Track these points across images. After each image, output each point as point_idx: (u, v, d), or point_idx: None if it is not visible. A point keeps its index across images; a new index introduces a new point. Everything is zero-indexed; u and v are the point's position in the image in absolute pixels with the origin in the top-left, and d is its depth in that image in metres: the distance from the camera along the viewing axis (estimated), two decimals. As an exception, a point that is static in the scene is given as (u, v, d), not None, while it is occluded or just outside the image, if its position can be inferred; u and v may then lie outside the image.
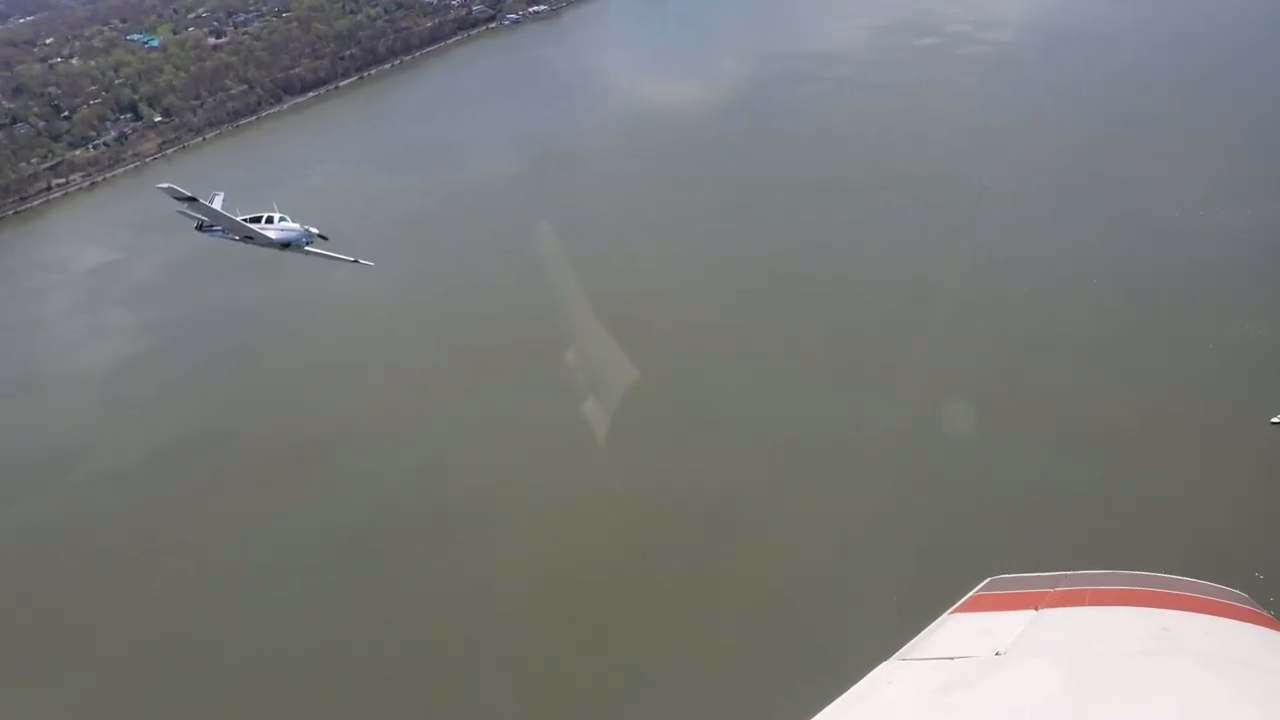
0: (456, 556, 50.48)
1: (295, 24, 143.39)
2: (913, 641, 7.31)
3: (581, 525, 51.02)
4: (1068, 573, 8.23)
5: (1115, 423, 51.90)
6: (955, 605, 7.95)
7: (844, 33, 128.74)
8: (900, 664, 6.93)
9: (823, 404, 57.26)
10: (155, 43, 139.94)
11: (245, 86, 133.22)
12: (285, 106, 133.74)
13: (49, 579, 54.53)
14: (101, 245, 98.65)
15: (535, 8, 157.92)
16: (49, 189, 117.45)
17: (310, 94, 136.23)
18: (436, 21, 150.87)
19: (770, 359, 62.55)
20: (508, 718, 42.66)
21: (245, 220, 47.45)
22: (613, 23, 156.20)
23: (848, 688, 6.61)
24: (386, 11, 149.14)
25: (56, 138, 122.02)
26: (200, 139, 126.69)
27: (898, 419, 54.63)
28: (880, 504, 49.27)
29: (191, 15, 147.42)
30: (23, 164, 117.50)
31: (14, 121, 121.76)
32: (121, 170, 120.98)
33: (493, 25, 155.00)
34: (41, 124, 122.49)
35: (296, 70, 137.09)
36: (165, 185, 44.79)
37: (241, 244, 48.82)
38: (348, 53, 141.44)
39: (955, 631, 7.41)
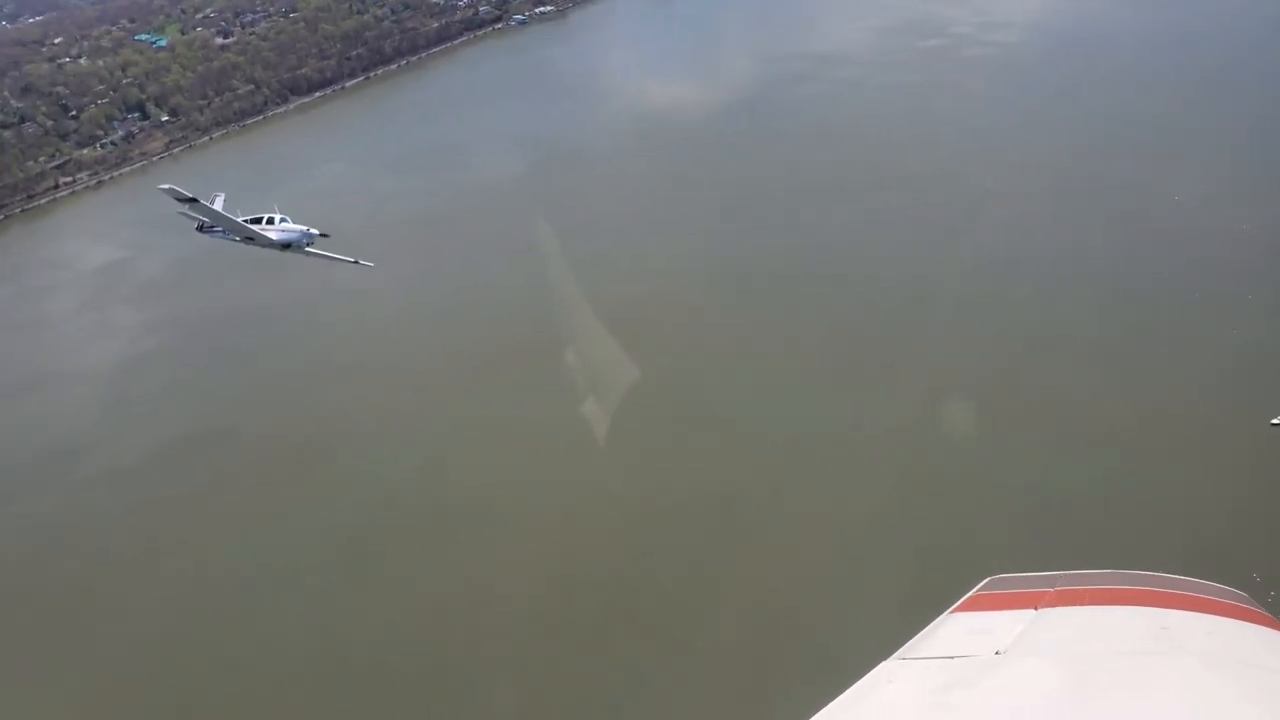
0: (457, 556, 50.48)
1: (302, 24, 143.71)
2: (913, 641, 7.31)
3: (581, 525, 51.02)
4: (1067, 572, 8.23)
5: (1115, 423, 51.89)
6: (955, 605, 7.95)
7: (849, 34, 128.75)
8: (900, 663, 6.93)
9: (823, 404, 57.26)
10: (163, 43, 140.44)
11: (252, 86, 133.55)
12: (291, 106, 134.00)
13: (49, 578, 54.54)
14: (108, 243, 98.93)
15: (542, 8, 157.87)
16: (56, 187, 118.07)
17: (316, 94, 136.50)
18: (443, 22, 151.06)
19: (771, 359, 62.56)
20: (508, 718, 42.66)
21: (246, 221, 47.50)
22: (619, 23, 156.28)
23: (848, 687, 6.61)
24: (393, 12, 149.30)
25: (64, 137, 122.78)
26: (207, 138, 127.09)
27: (898, 419, 54.63)
28: (880, 504, 49.28)
29: (199, 15, 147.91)
30: (30, 162, 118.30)
31: (22, 120, 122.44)
32: (128, 169, 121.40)
33: (499, 26, 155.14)
34: (49, 123, 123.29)
35: (303, 70, 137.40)
36: (166, 186, 44.84)
37: (242, 245, 48.87)
38: (354, 53, 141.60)
39: (955, 631, 7.42)
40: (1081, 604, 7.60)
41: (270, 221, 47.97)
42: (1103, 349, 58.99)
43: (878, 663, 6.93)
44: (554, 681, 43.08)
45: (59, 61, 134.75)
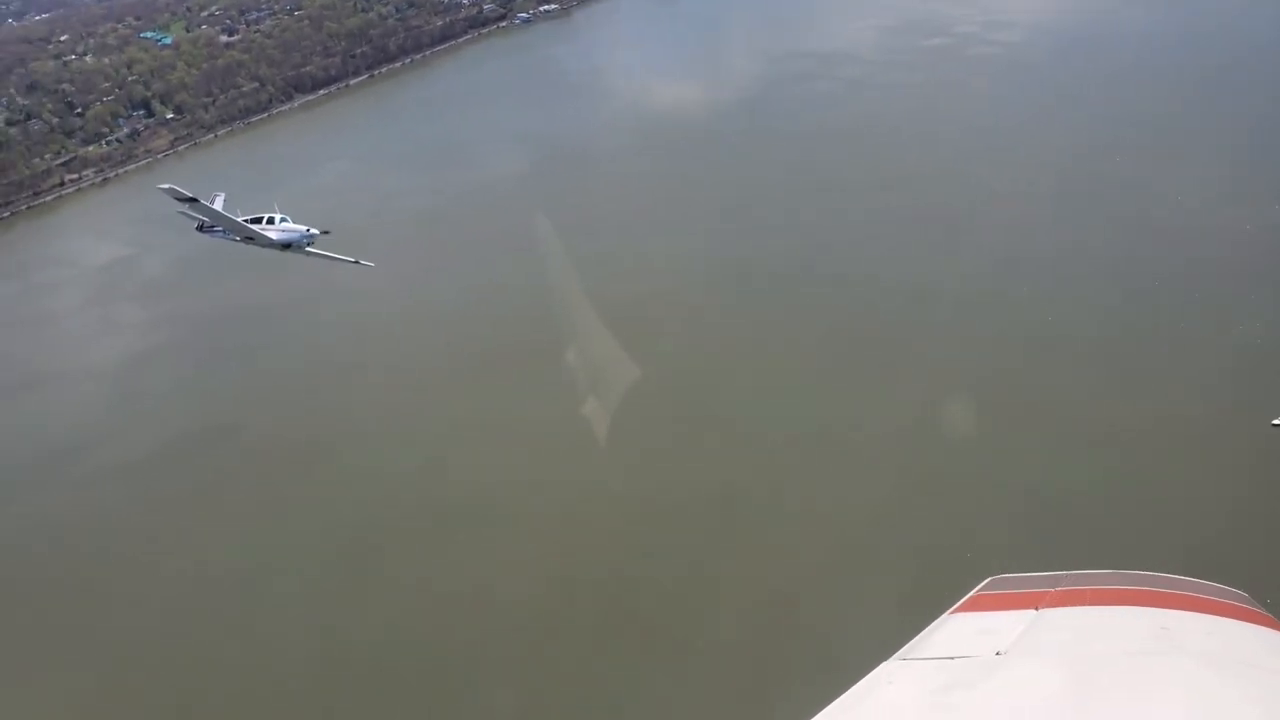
0: (457, 556, 50.49)
1: (307, 22, 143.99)
2: (913, 641, 7.31)
3: (581, 525, 51.01)
4: (1068, 572, 8.22)
5: (1116, 423, 51.87)
6: (955, 605, 7.95)
7: (853, 33, 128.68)
8: (900, 664, 6.92)
9: (823, 404, 57.27)
10: (168, 40, 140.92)
11: (257, 84, 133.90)
12: (296, 104, 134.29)
13: (49, 578, 54.55)
14: (113, 241, 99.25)
15: (546, 6, 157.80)
16: (62, 184, 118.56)
17: (321, 92, 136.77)
18: (447, 20, 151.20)
19: (772, 358, 62.59)
20: (508, 718, 42.66)
21: (246, 221, 47.52)
22: (623, 22, 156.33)
23: (848, 688, 6.61)
24: (398, 10, 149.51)
25: (70, 134, 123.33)
26: (212, 136, 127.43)
27: (898, 419, 54.63)
28: (880, 504, 49.28)
29: (204, 13, 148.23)
30: (36, 160, 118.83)
31: (28, 118, 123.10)
32: (133, 166, 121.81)
33: (503, 24, 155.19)
34: (55, 120, 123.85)
35: (308, 68, 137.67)
36: (166, 186, 44.88)
37: (242, 245, 48.90)
38: (359, 51, 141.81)
39: (955, 631, 7.41)
40: (1082, 604, 7.59)
41: (270, 221, 48.02)
42: (1103, 349, 58.99)
43: (878, 663, 6.93)
44: (554, 681, 43.09)
45: (65, 59, 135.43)
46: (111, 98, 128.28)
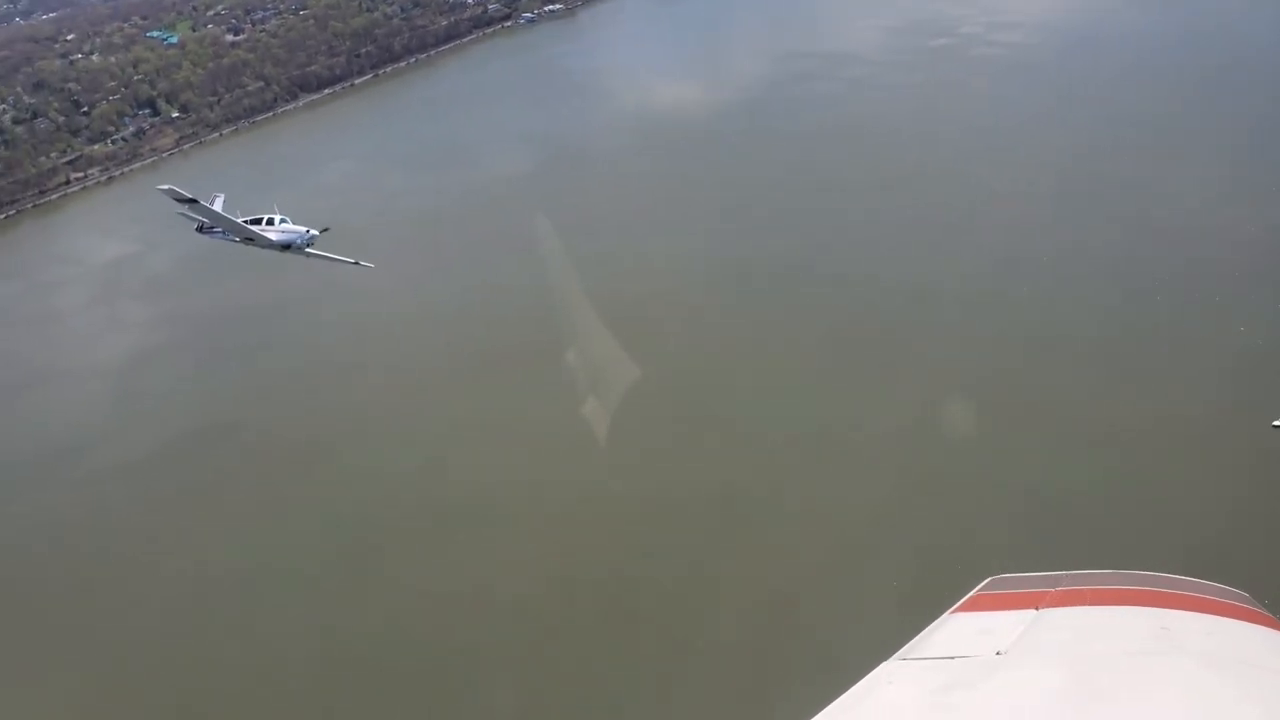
0: (457, 556, 50.50)
1: (312, 22, 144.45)
2: (913, 641, 7.30)
3: (581, 525, 51.02)
4: (1068, 572, 8.21)
5: (1115, 423, 51.85)
6: (955, 605, 7.94)
7: (857, 33, 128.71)
8: (900, 664, 6.92)
9: (823, 404, 57.28)
10: (174, 39, 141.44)
11: (262, 83, 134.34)
12: (301, 103, 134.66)
13: (50, 577, 54.59)
14: (118, 239, 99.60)
15: (550, 6, 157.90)
16: (67, 183, 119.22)
17: (326, 91, 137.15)
18: (452, 20, 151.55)
19: (772, 358, 62.58)
20: (508, 718, 42.66)
21: (246, 222, 47.50)
22: (628, 22, 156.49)
23: (848, 688, 6.60)
24: (402, 10, 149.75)
25: (76, 132, 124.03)
26: (217, 135, 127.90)
27: (898, 419, 54.63)
28: (880, 504, 49.28)
29: (210, 12, 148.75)
30: (42, 158, 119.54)
31: (34, 116, 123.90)
32: (139, 165, 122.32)
33: (508, 24, 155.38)
34: (61, 119, 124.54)
35: (313, 68, 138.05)
36: (165, 187, 44.91)
37: (242, 245, 48.88)
38: (363, 50, 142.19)
39: (955, 631, 7.40)
40: (1082, 604, 7.59)
41: (270, 222, 47.99)
42: (1103, 349, 58.98)
43: (878, 663, 6.92)
44: (554, 681, 43.09)
45: (71, 58, 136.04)
46: (117, 96, 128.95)
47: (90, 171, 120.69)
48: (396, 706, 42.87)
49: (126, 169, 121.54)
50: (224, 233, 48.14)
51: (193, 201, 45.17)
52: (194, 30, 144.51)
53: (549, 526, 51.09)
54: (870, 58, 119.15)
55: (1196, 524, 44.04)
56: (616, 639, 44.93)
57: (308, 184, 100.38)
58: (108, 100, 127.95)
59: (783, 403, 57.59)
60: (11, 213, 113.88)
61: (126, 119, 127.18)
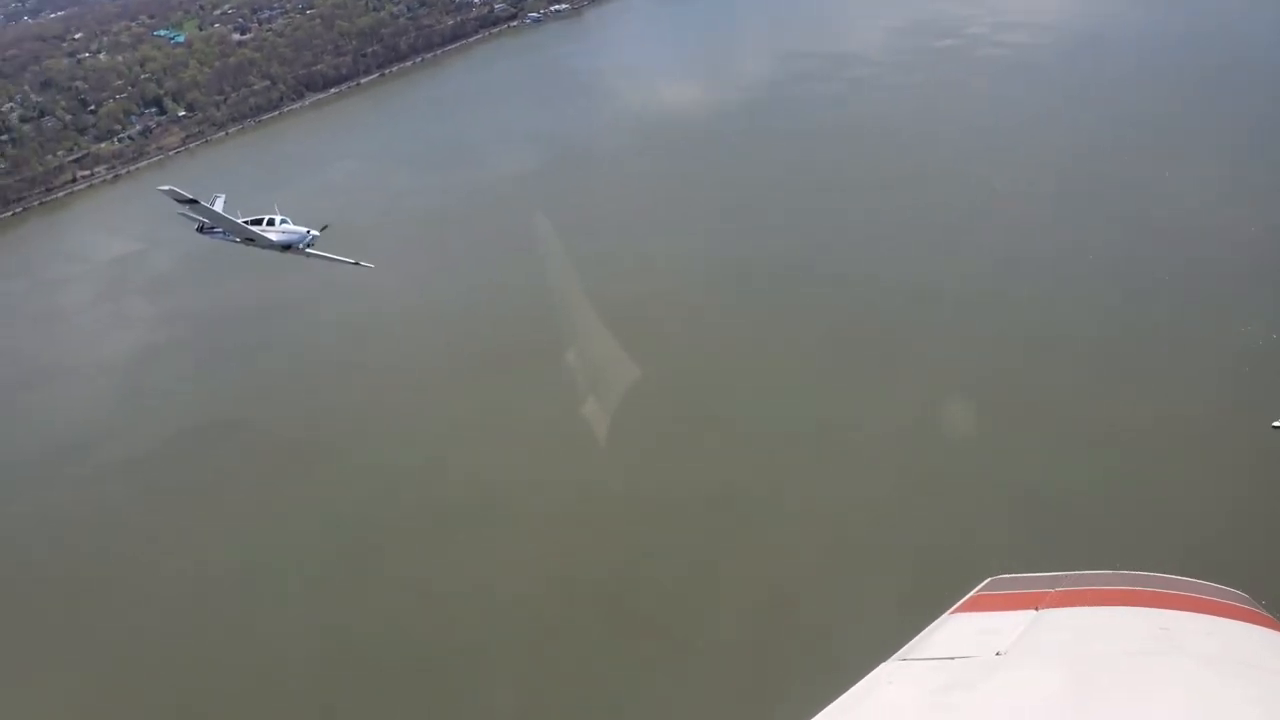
0: (457, 556, 50.51)
1: (319, 21, 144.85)
2: (913, 641, 7.30)
3: (581, 525, 51.03)
4: (1068, 573, 8.22)
5: (1115, 423, 51.84)
6: (955, 605, 7.94)
7: (863, 34, 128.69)
8: (900, 664, 6.92)
9: (823, 404, 57.27)
10: (181, 38, 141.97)
11: (268, 82, 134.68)
12: (307, 103, 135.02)
13: (50, 577, 54.59)
14: (124, 237, 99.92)
15: (557, 6, 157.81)
16: (74, 181, 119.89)
17: (332, 90, 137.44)
18: (458, 19, 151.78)
19: (772, 358, 62.58)
20: (508, 718, 42.66)
21: (246, 223, 47.52)
22: (634, 21, 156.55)
23: (848, 688, 6.61)
24: (409, 9, 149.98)
25: (83, 131, 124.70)
26: (223, 134, 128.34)
27: (898, 419, 54.61)
28: (880, 504, 49.27)
29: (217, 11, 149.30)
30: (49, 156, 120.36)
31: (42, 115, 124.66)
32: (145, 163, 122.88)
33: (514, 24, 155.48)
34: (68, 117, 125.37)
35: (319, 67, 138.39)
36: (166, 188, 44.95)
37: (242, 246, 48.90)
38: (370, 50, 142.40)
39: (955, 631, 7.41)
40: (1082, 604, 7.59)
41: (270, 223, 48.01)
42: (1103, 349, 58.96)
43: (878, 663, 6.93)
44: (554, 681, 43.09)
45: (79, 57, 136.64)
46: (124, 95, 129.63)
47: (97, 170, 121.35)
48: (396, 706, 42.87)
49: (133, 167, 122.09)
50: (224, 233, 48.18)
51: (193, 202, 45.21)
52: (201, 29, 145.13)
53: (549, 526, 51.09)
54: (874, 58, 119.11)
55: (1196, 524, 44.03)
56: (616, 639, 44.93)
57: (313, 183, 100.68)
58: (114, 99, 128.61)
59: (783, 403, 57.57)
60: (19, 210, 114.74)
61: (133, 117, 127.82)
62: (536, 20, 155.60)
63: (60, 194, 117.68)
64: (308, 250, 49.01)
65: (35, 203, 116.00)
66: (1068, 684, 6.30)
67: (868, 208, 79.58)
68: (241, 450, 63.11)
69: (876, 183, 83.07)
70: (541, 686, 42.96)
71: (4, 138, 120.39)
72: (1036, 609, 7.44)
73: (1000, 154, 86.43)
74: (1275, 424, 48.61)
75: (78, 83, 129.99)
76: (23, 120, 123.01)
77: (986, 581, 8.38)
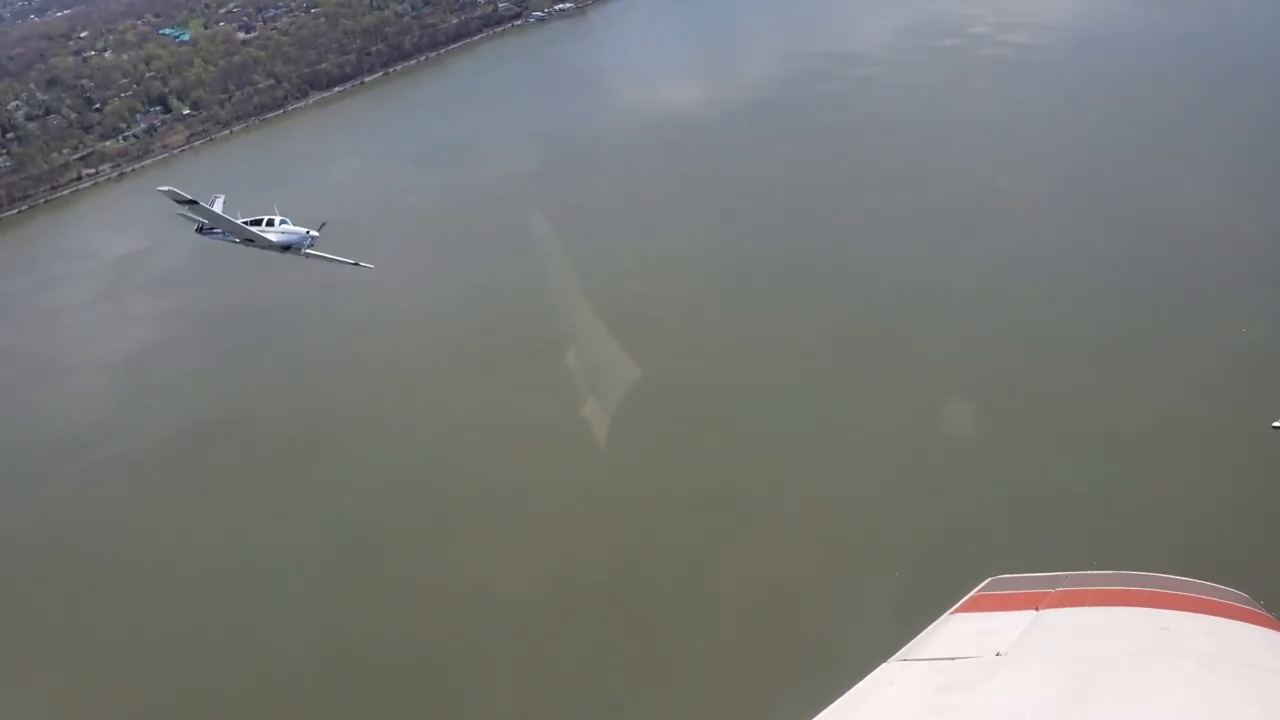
0: (457, 556, 50.51)
1: (323, 19, 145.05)
2: (913, 642, 7.31)
3: (581, 525, 51.03)
4: (1068, 573, 8.22)
5: (1115, 423, 51.84)
6: (955, 605, 7.95)
7: (867, 33, 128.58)
8: (900, 665, 6.92)
9: (823, 404, 57.25)
10: (186, 37, 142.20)
11: (272, 81, 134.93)
12: (311, 101, 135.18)
13: (51, 577, 54.57)
14: (128, 234, 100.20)
15: (561, 5, 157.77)
16: (79, 179, 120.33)
17: (336, 89, 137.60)
18: (462, 18, 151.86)
19: (772, 358, 62.54)
20: (508, 718, 42.66)
21: (246, 223, 47.54)
22: (638, 21, 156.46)
23: (848, 688, 6.61)
24: (413, 8, 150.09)
25: (88, 129, 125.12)
26: (227, 132, 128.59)
27: (898, 418, 54.62)
28: (880, 504, 49.26)
29: (222, 10, 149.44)
30: (55, 154, 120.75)
31: (47, 113, 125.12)
32: (150, 161, 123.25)
33: (518, 23, 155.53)
34: (74, 115, 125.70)
35: (323, 65, 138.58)
36: (166, 189, 44.99)
37: (242, 246, 48.91)
38: (374, 49, 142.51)
39: (956, 632, 7.41)
40: (1082, 605, 7.59)
41: (270, 223, 48.03)
42: (1104, 349, 58.93)
43: (878, 663, 6.93)
44: (554, 681, 43.08)
45: (84, 55, 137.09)
46: (129, 93, 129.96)
47: (102, 168, 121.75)
48: (397, 706, 42.86)
49: (138, 165, 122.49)
50: (224, 234, 48.19)
51: (192, 203, 45.24)
52: (206, 28, 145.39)
53: (549, 526, 51.10)
54: (877, 58, 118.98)
55: (1196, 524, 44.02)
56: (616, 639, 44.92)
57: (317, 182, 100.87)
58: (120, 97, 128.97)
59: (783, 403, 57.56)
60: (24, 208, 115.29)
61: (138, 116, 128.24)
62: (540, 19, 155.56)
63: (65, 192, 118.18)
64: (307, 251, 49.01)
65: (41, 200, 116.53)
66: (1068, 684, 6.30)
67: (869, 207, 79.53)
68: (242, 449, 63.14)
69: (878, 182, 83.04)
70: (541, 686, 42.95)
71: (10, 136, 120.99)
72: (1037, 609, 7.45)
73: (1003, 154, 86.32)
74: (1275, 424, 48.57)
75: (83, 81, 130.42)
76: (29, 118, 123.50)
77: (986, 582, 8.38)
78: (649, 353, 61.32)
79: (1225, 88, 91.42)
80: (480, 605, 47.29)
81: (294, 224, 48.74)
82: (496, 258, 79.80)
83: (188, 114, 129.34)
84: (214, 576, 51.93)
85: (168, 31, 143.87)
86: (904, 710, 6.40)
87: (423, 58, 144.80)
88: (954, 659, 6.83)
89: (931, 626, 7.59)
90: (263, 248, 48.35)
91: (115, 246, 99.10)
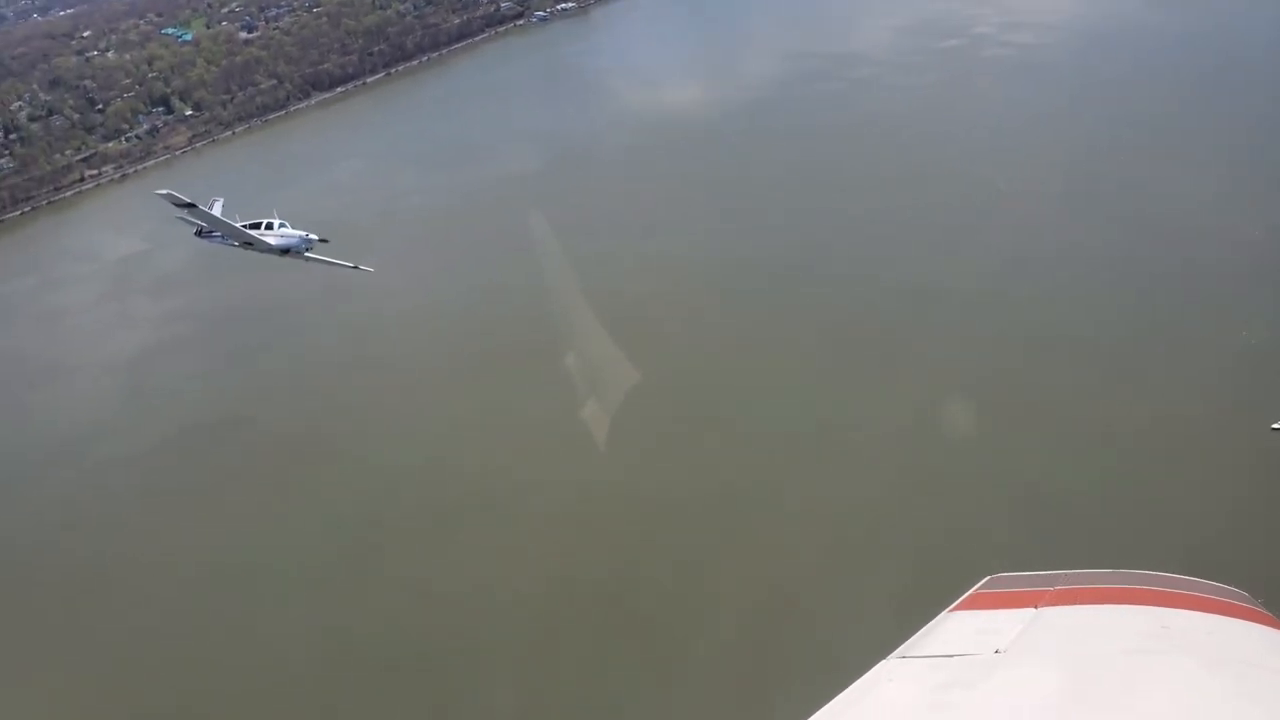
0: (457, 556, 50.53)
1: (325, 19, 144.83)
2: (912, 639, 7.31)
3: (581, 525, 51.05)
4: (1067, 571, 8.23)
5: (1115, 423, 51.85)
6: (955, 603, 7.95)
7: (870, 33, 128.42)
8: (900, 662, 6.93)
9: (823, 404, 57.27)
10: (189, 37, 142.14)
11: (274, 81, 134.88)
12: (313, 102, 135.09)
13: (50, 576, 54.58)
14: (130, 236, 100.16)
15: (563, 5, 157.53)
16: (82, 180, 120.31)
17: (338, 89, 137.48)
18: (465, 18, 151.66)
19: (772, 358, 62.56)
20: (508, 718, 42.66)
21: (244, 227, 47.50)
22: (640, 21, 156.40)
23: (847, 686, 6.61)
24: (415, 8, 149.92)
25: (90, 130, 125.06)
26: (230, 133, 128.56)
27: (898, 418, 54.62)
28: (880, 503, 49.27)
29: (225, 10, 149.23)
30: (58, 155, 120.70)
31: (50, 114, 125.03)
32: (152, 163, 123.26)
33: (520, 22, 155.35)
34: (76, 116, 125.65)
35: (325, 66, 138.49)
36: (164, 192, 44.99)
37: (241, 250, 48.86)
38: (376, 49, 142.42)
39: (955, 630, 7.42)
40: (1081, 603, 7.60)
41: (269, 227, 47.98)
42: (1104, 349, 58.94)
43: (877, 661, 6.93)
44: (554, 681, 43.09)
45: (87, 55, 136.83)
46: (132, 94, 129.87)
47: (104, 169, 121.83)
48: (397, 706, 42.87)
49: (140, 166, 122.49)
50: (223, 237, 48.14)
51: (191, 206, 45.21)
52: (208, 27, 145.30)
53: (549, 526, 51.10)
54: (884, 58, 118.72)
55: (1196, 524, 44.00)
56: (617, 638, 44.93)
57: (319, 182, 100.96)
58: (122, 98, 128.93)
59: (783, 403, 57.57)
60: (27, 209, 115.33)
61: (140, 117, 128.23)
62: (543, 19, 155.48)
63: (68, 193, 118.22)
64: (306, 254, 48.98)
65: (44, 202, 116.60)
66: (1066, 682, 6.31)
67: (869, 207, 79.48)
68: (243, 450, 63.14)
69: (878, 182, 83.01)
70: (541, 686, 42.95)
71: (13, 137, 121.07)
72: (1036, 607, 7.45)
73: (1004, 154, 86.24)
74: (1275, 425, 48.51)
75: (86, 81, 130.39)
76: (31, 119, 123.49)
77: (986, 580, 8.39)
78: (649, 353, 61.31)
79: (1224, 87, 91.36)
80: (480, 605, 47.29)
81: (293, 227, 48.70)
82: (497, 258, 79.79)
83: (190, 115, 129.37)
84: (214, 577, 51.94)
85: (170, 31, 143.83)
86: (903, 707, 6.41)
87: (425, 58, 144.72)
88: (953, 656, 6.83)
89: (931, 624, 7.59)
90: (261, 251, 48.31)
91: (118, 248, 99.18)
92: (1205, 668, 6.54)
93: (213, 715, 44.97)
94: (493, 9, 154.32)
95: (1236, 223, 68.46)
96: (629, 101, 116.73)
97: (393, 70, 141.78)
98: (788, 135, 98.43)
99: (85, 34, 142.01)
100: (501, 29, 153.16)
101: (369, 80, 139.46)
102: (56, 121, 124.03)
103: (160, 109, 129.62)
